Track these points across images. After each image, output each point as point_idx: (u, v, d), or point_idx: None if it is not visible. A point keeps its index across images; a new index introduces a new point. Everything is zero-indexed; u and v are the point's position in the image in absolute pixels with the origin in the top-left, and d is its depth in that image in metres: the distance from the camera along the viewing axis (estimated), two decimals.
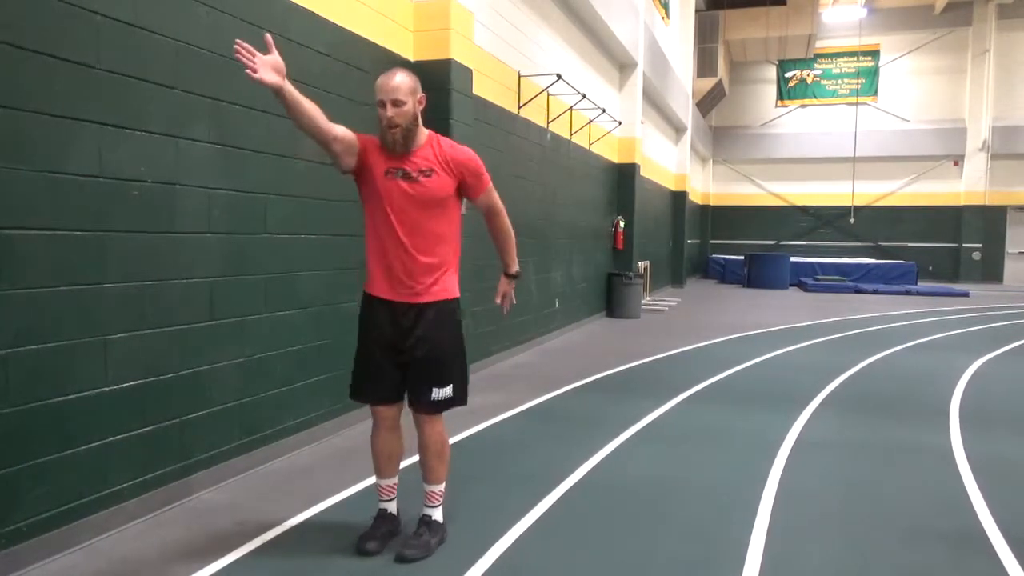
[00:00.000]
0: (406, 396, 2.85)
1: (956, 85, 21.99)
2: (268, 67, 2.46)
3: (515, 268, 3.07)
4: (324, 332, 4.29)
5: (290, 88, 2.51)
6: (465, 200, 2.89)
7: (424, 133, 2.76)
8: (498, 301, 3.09)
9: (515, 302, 3.15)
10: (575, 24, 9.35)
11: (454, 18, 5.18)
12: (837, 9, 21.18)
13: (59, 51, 2.69)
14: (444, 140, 2.81)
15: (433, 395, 2.76)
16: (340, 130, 2.68)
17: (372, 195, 2.75)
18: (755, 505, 3.38)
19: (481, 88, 6.21)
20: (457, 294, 2.84)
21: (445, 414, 2.85)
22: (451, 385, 2.80)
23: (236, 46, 2.42)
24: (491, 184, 2.89)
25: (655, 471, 3.87)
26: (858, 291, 16.76)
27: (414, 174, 2.69)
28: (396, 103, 2.63)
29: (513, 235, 3.02)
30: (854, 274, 18.92)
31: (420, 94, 2.72)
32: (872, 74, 22.67)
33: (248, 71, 2.42)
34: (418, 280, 2.73)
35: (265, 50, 2.50)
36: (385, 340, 2.78)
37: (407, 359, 2.77)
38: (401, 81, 2.65)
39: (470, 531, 3.02)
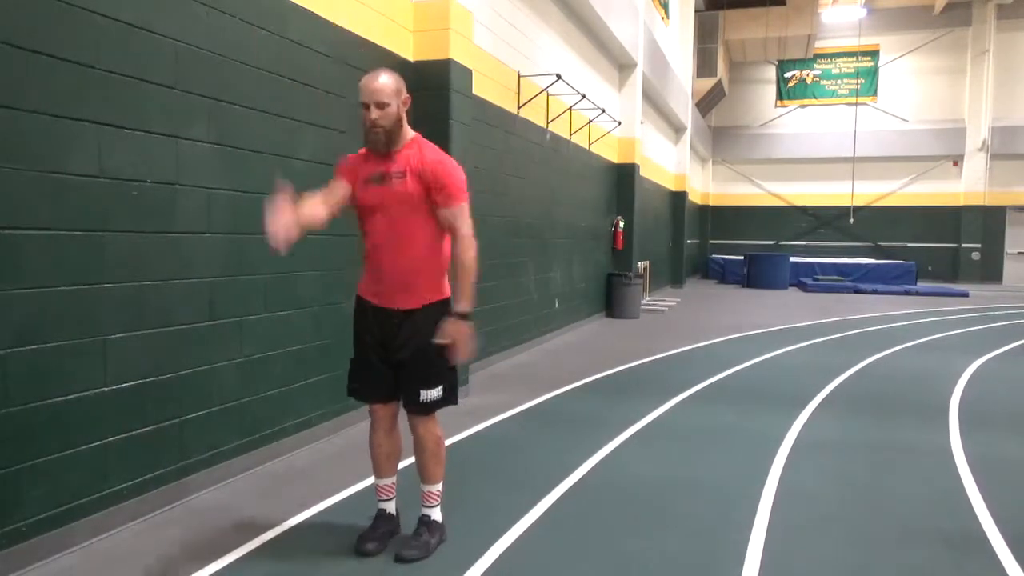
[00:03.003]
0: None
1: (955, 85, 21.99)
2: (283, 231, 2.42)
3: (465, 306, 2.67)
4: (323, 332, 4.28)
5: (303, 225, 2.53)
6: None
7: (409, 134, 2.75)
8: (438, 342, 2.66)
9: (470, 352, 2.69)
10: (575, 24, 9.36)
11: (454, 18, 5.18)
12: (836, 9, 21.18)
13: (59, 51, 2.69)
14: (428, 146, 2.76)
15: (422, 396, 2.75)
16: (330, 199, 2.71)
17: (357, 202, 2.77)
18: (755, 505, 3.38)
19: (481, 88, 6.21)
20: (447, 295, 2.82)
21: (442, 414, 2.85)
22: (440, 386, 2.78)
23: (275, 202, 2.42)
24: (461, 206, 2.69)
25: (655, 471, 3.87)
26: (857, 291, 16.76)
27: (390, 176, 2.69)
28: (380, 105, 2.62)
29: (472, 271, 2.70)
30: (853, 274, 18.93)
31: (404, 95, 2.71)
32: (871, 74, 22.67)
33: (269, 228, 2.42)
34: (403, 283, 2.72)
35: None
36: (375, 341, 2.79)
37: (395, 359, 2.77)
38: (385, 83, 2.63)
39: (470, 531, 3.02)
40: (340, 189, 2.75)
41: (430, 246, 2.74)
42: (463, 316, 2.67)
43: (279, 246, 2.41)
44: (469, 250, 2.69)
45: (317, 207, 2.65)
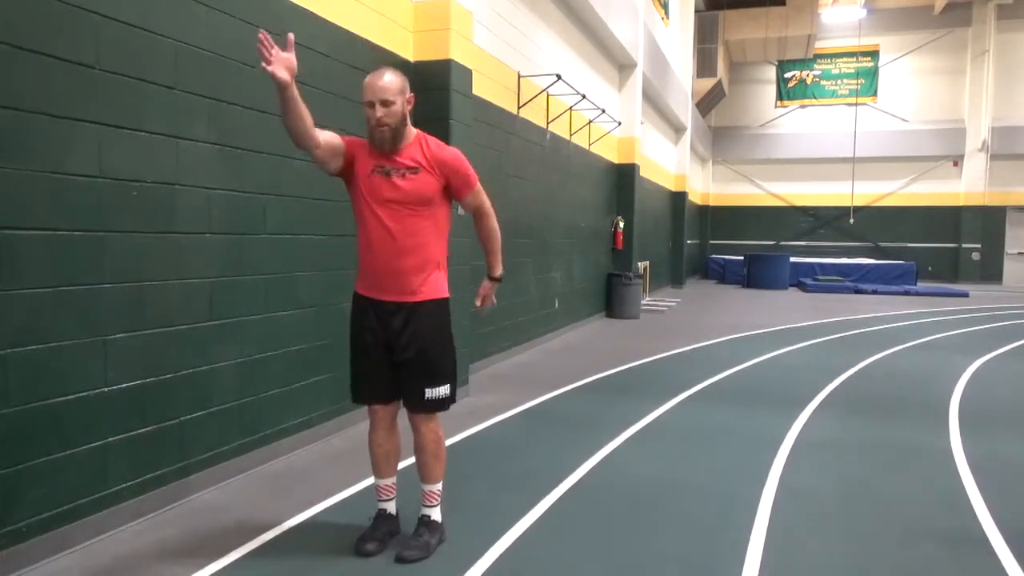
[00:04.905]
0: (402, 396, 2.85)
1: (955, 85, 22.00)
2: (282, 64, 2.48)
3: (499, 271, 3.02)
4: (324, 332, 4.28)
5: (294, 90, 2.53)
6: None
7: (412, 132, 2.76)
8: (478, 304, 3.03)
9: (495, 304, 3.13)
10: (575, 24, 9.36)
11: (454, 18, 5.18)
12: (836, 9, 21.18)
13: (59, 51, 2.69)
14: (431, 140, 2.80)
15: (427, 395, 2.76)
16: (324, 136, 2.70)
17: (358, 194, 2.76)
18: (755, 505, 3.38)
19: (481, 88, 6.21)
20: (447, 294, 2.84)
21: (442, 414, 2.85)
22: (447, 385, 2.81)
23: (260, 36, 2.43)
24: (479, 186, 2.88)
25: (655, 471, 3.87)
26: (857, 291, 16.76)
27: (400, 172, 2.70)
28: (385, 103, 2.63)
29: (499, 238, 2.99)
30: (853, 274, 18.92)
31: (409, 93, 2.72)
32: (871, 74, 22.68)
33: (263, 63, 2.44)
34: (405, 279, 2.72)
35: (284, 48, 2.52)
36: (376, 340, 2.78)
37: (399, 359, 2.77)
38: (390, 81, 2.64)
39: (470, 531, 3.02)
40: (339, 145, 2.75)
41: (433, 239, 2.76)
42: (498, 280, 3.01)
43: (277, 70, 2.45)
44: (495, 220, 2.97)
45: (310, 120, 2.64)
